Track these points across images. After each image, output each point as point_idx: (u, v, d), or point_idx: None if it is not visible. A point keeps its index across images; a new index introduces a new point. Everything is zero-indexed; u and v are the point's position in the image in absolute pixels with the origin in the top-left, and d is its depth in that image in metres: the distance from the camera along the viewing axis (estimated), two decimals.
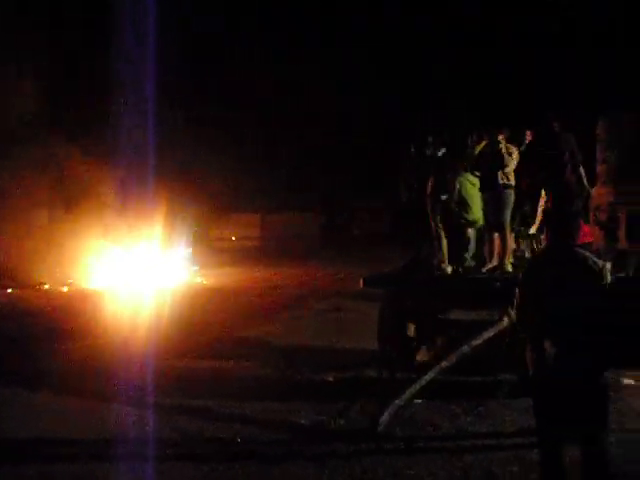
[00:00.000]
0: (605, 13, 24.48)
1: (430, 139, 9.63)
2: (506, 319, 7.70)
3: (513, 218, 10.23)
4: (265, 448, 6.56)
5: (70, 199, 19.54)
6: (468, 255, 9.89)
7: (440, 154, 9.38)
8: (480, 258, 10.11)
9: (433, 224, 9.32)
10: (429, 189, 9.46)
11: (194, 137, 24.01)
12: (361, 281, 8.81)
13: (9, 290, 17.18)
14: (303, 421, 7.21)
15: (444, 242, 9.25)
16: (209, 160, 24.12)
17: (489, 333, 7.55)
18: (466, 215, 9.70)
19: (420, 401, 7.46)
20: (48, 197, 19.68)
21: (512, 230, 10.04)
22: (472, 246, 10.04)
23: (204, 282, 18.69)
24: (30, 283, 18.11)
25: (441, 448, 6.41)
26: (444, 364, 7.35)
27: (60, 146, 19.55)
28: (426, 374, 7.32)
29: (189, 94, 24.12)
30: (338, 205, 32.70)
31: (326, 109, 29.38)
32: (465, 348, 7.43)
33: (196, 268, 20.21)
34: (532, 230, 10.40)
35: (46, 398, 8.38)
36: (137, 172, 18.98)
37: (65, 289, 17.42)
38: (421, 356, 9.22)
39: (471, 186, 9.86)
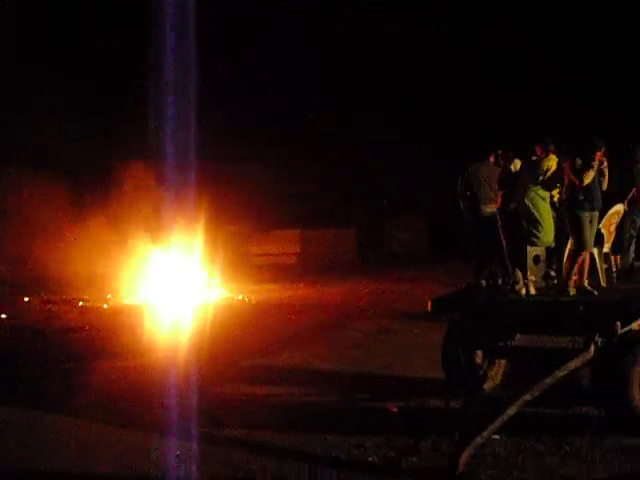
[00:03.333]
0: None
1: (499, 151, 9.00)
2: (592, 347, 7.02)
3: None
4: None
5: (109, 211, 19.14)
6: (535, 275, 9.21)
7: (512, 166, 8.70)
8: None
9: (506, 242, 8.63)
10: (499, 203, 8.80)
11: (234, 153, 23.71)
12: (428, 304, 8.13)
13: (48, 306, 16.75)
14: (370, 458, 6.53)
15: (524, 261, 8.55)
16: (251, 176, 23.78)
17: (575, 363, 6.85)
18: (537, 233, 9.02)
19: (498, 437, 6.74)
20: (88, 211, 19.31)
21: None
22: (542, 267, 9.36)
23: (245, 299, 18.10)
24: (69, 298, 17.70)
25: None
26: (527, 397, 6.65)
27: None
28: (505, 408, 6.60)
29: (236, 106, 23.74)
30: (373, 221, 32.02)
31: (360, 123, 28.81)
32: (548, 380, 6.73)
33: (236, 284, 19.64)
34: (606, 249, 9.71)
35: (79, 425, 7.84)
36: (179, 184, 18.53)
37: (104, 305, 16.94)
38: (488, 386, 8.60)
39: (542, 201, 9.20)
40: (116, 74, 21.65)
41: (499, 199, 8.83)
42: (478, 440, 6.22)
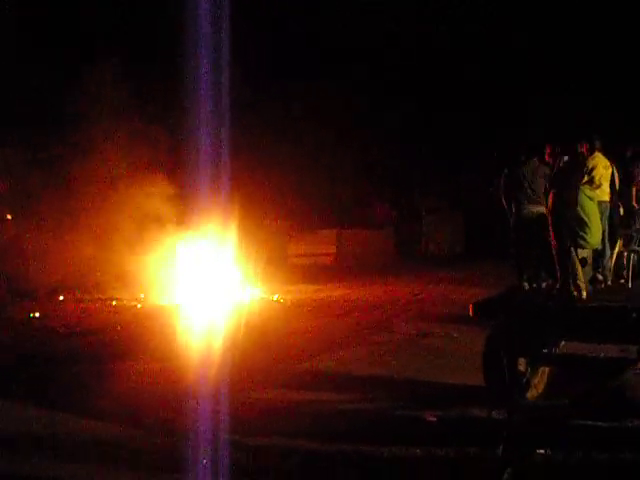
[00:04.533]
0: None
1: (548, 149, 8.59)
2: None
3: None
4: None
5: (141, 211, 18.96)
6: (584, 279, 8.78)
7: (561, 164, 8.28)
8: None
9: (556, 243, 8.17)
10: (550, 204, 8.39)
11: (271, 152, 23.55)
12: (470, 308, 7.74)
13: (82, 305, 16.63)
14: (408, 472, 6.20)
15: (575, 264, 8.11)
16: (286, 175, 23.56)
17: (628, 373, 6.43)
18: (585, 235, 8.59)
19: (542, 451, 6.35)
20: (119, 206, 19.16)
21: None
22: (588, 270, 8.95)
23: (281, 300, 17.85)
24: (103, 297, 17.60)
25: None
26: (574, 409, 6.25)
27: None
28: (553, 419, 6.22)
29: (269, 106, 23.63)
30: (409, 220, 31.61)
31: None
32: (600, 391, 6.33)
33: (272, 285, 19.39)
34: None
35: (104, 429, 7.56)
36: (214, 185, 18.28)
37: (138, 305, 16.78)
38: (531, 394, 8.21)
39: (589, 202, 8.77)
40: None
41: (550, 199, 8.42)
42: (523, 455, 5.85)
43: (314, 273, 22.98)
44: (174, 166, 19.17)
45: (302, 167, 25.46)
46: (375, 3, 26.03)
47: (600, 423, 6.97)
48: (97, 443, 7.14)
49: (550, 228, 8.24)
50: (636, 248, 9.60)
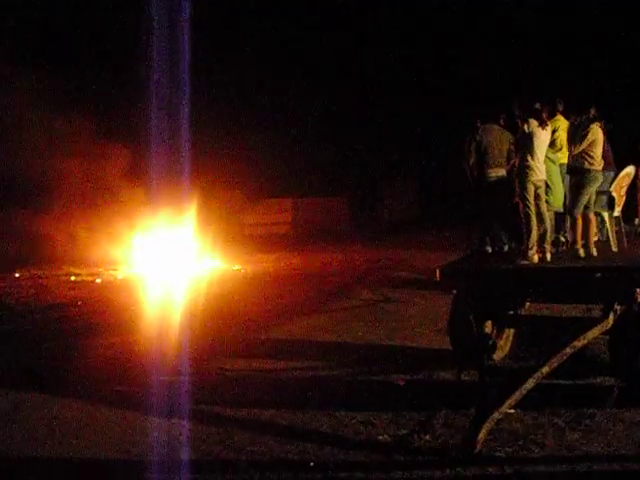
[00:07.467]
0: None
1: (517, 111, 8.56)
2: (611, 316, 6.68)
3: None
4: (344, 473, 5.52)
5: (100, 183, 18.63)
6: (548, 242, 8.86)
7: (526, 127, 8.24)
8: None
9: (523, 206, 8.18)
10: (517, 167, 8.39)
11: (225, 122, 23.35)
12: (437, 272, 7.72)
13: (39, 282, 16.30)
14: (381, 437, 6.19)
15: (534, 227, 8.15)
16: (241, 145, 23.40)
17: (594, 332, 6.51)
18: (547, 197, 8.64)
19: (513, 411, 6.41)
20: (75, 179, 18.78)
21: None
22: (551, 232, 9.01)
23: (241, 270, 17.74)
24: (60, 273, 17.29)
25: (555, 474, 5.38)
26: (545, 369, 6.31)
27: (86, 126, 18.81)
28: (523, 380, 6.26)
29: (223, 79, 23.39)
30: (365, 188, 31.66)
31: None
32: (567, 350, 6.39)
33: (229, 255, 19.25)
34: (616, 212, 9.39)
35: (71, 406, 7.39)
36: (168, 157, 18.00)
37: (97, 279, 16.51)
38: (498, 356, 8.30)
39: (552, 164, 8.81)
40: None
41: (517, 162, 8.43)
42: (495, 416, 5.89)
43: (272, 242, 22.93)
44: (127, 142, 18.88)
45: (258, 138, 25.29)
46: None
47: (564, 382, 7.11)
48: (68, 419, 7.00)
49: (517, 191, 8.25)
50: (598, 210, 9.69)
